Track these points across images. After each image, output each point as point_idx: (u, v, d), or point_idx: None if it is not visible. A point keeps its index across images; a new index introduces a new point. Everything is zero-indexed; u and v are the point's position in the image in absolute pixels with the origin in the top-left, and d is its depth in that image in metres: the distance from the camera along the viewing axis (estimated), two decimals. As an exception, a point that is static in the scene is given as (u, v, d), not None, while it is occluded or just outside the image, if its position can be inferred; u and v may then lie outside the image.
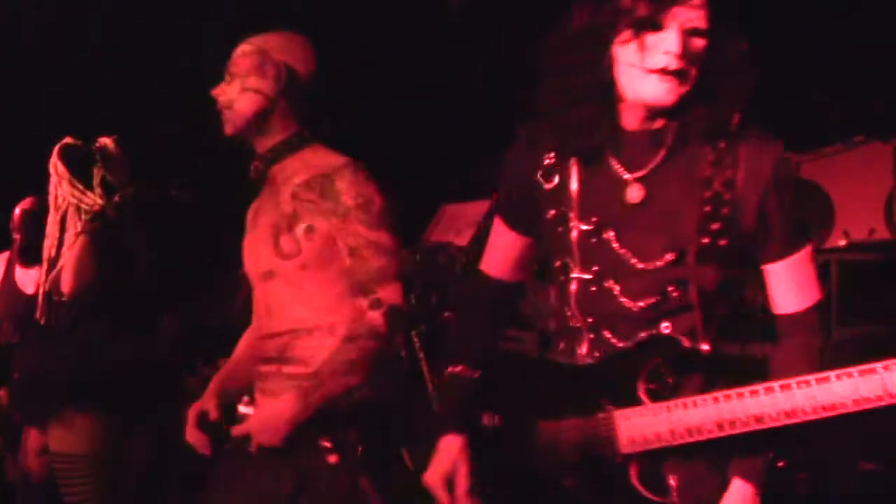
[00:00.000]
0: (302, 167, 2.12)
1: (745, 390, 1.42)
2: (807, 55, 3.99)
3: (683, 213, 1.56)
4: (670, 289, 1.57)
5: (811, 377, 1.37)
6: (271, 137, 2.17)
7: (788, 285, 1.58)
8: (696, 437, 1.47)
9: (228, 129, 2.20)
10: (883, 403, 1.31)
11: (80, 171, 2.88)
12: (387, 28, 4.41)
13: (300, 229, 2.06)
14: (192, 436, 2.19)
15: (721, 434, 1.45)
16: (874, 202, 4.10)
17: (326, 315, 2.07)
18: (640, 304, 1.59)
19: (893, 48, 3.74)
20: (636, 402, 1.55)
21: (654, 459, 1.55)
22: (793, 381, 1.39)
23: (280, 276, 2.14)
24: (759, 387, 1.41)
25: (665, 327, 1.58)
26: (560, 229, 1.65)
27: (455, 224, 5.46)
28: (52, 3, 4.27)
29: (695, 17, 1.49)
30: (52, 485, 3.03)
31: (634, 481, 1.56)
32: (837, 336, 3.18)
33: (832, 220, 4.28)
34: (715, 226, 1.53)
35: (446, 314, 4.32)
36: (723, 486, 1.56)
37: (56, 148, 2.91)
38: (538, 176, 1.68)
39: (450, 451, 1.73)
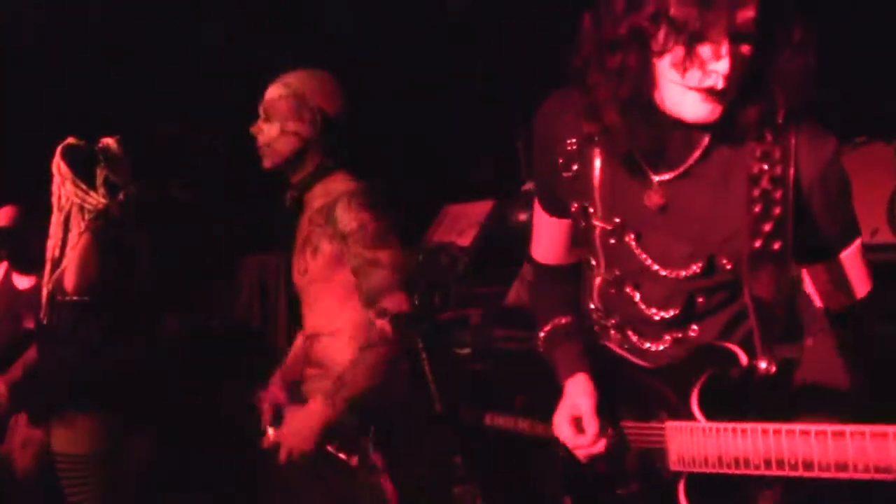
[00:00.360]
0: (322, 194, 2.39)
1: (797, 428, 1.29)
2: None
3: (717, 217, 1.42)
4: (699, 298, 1.48)
5: (866, 429, 1.22)
6: (304, 170, 2.43)
7: (838, 280, 1.46)
8: (744, 470, 1.34)
9: (267, 164, 2.45)
10: None
11: (83, 171, 2.89)
12: (387, 28, 4.41)
13: (309, 250, 2.35)
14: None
15: (769, 472, 1.31)
16: (877, 203, 4.09)
17: (331, 322, 2.35)
18: (662, 313, 1.50)
19: (894, 48, 3.74)
20: (689, 413, 1.44)
21: (705, 482, 1.43)
22: (847, 430, 1.23)
23: (302, 291, 2.45)
24: (812, 427, 1.27)
25: (693, 330, 1.51)
26: (583, 224, 1.55)
27: (457, 224, 5.45)
28: (52, 4, 4.26)
29: (745, 20, 1.29)
30: (39, 480, 3.04)
31: (681, 500, 1.45)
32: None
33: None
34: (767, 227, 1.37)
35: (448, 314, 4.32)
36: None
37: (59, 148, 2.91)
38: (560, 163, 1.53)
39: (573, 392, 1.58)
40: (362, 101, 5.16)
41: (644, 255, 1.48)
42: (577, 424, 1.56)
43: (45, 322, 2.93)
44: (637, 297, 1.52)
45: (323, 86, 2.44)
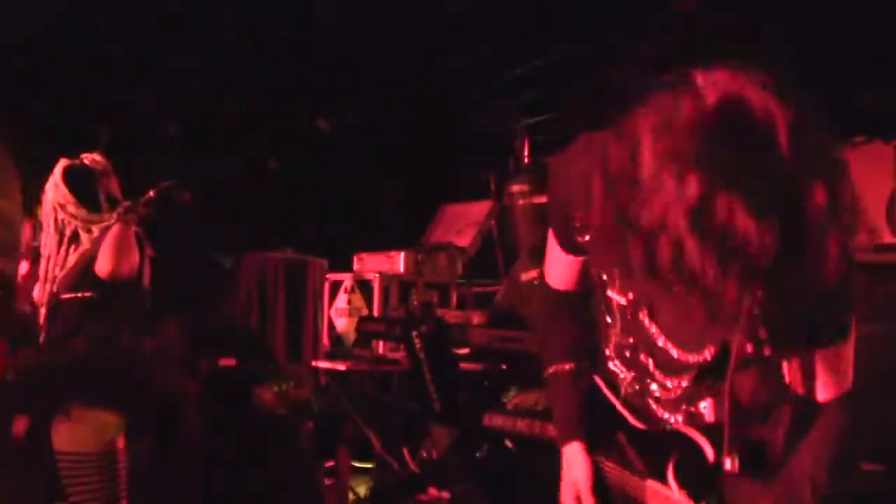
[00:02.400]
0: None
1: None
2: (807, 55, 3.98)
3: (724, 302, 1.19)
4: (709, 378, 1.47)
5: None
6: None
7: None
8: None
9: None
10: None
11: (83, 192, 2.96)
12: (387, 28, 4.41)
13: None
14: None
15: None
16: (876, 203, 4.10)
17: None
18: (676, 382, 1.51)
19: (893, 48, 3.74)
20: (664, 478, 1.52)
21: None
22: None
23: None
24: None
25: (704, 407, 1.51)
26: (600, 287, 1.59)
27: (455, 224, 5.46)
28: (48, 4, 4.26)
29: None
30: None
31: None
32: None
33: (833, 221, 4.27)
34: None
35: (447, 314, 4.32)
36: None
37: (60, 171, 2.96)
38: (576, 227, 1.52)
39: (572, 464, 1.67)
40: (362, 101, 5.16)
41: (656, 332, 1.48)
42: (579, 501, 1.65)
43: (43, 323, 2.95)
44: (651, 364, 1.53)
45: None
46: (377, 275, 4.65)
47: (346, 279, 4.88)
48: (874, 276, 3.36)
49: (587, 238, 1.51)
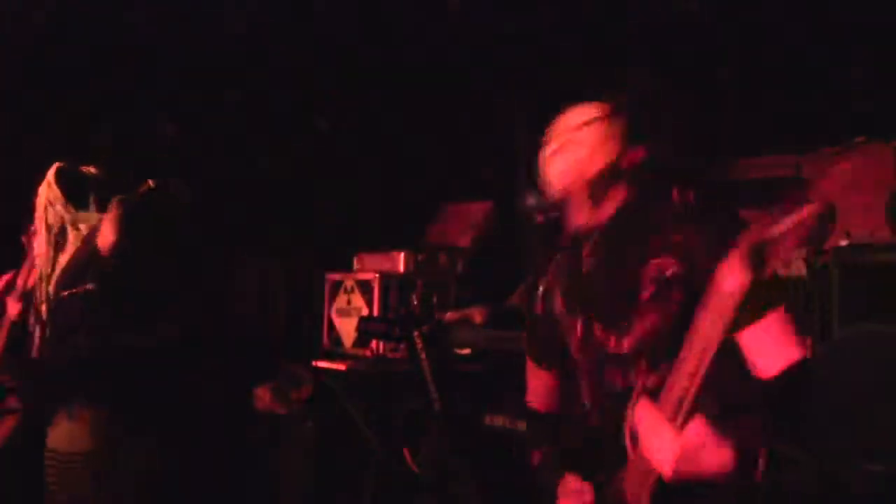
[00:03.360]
0: None
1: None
2: (807, 55, 3.99)
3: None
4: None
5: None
6: None
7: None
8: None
9: None
10: None
11: (73, 193, 3.00)
12: (386, 27, 4.42)
13: None
14: None
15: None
16: (876, 203, 4.09)
17: None
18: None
19: (894, 48, 3.74)
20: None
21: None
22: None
23: None
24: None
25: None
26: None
27: (456, 224, 5.46)
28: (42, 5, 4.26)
29: None
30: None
31: None
32: (839, 336, 3.17)
33: (833, 221, 4.28)
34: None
35: (447, 314, 4.32)
36: None
37: (52, 171, 3.02)
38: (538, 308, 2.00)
39: (566, 492, 1.91)
40: (363, 101, 5.16)
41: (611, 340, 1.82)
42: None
43: (45, 321, 2.96)
44: (619, 378, 1.82)
45: None
46: (377, 275, 4.65)
47: (346, 279, 4.88)
48: (874, 276, 3.36)
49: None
